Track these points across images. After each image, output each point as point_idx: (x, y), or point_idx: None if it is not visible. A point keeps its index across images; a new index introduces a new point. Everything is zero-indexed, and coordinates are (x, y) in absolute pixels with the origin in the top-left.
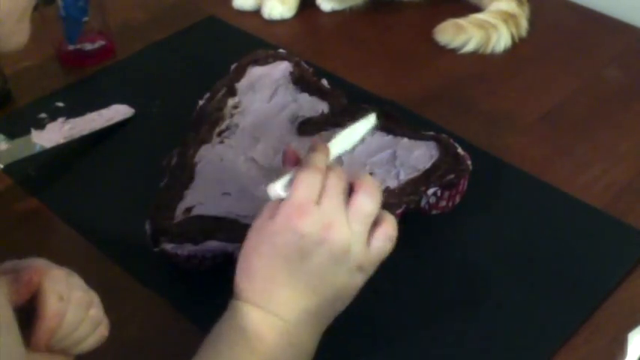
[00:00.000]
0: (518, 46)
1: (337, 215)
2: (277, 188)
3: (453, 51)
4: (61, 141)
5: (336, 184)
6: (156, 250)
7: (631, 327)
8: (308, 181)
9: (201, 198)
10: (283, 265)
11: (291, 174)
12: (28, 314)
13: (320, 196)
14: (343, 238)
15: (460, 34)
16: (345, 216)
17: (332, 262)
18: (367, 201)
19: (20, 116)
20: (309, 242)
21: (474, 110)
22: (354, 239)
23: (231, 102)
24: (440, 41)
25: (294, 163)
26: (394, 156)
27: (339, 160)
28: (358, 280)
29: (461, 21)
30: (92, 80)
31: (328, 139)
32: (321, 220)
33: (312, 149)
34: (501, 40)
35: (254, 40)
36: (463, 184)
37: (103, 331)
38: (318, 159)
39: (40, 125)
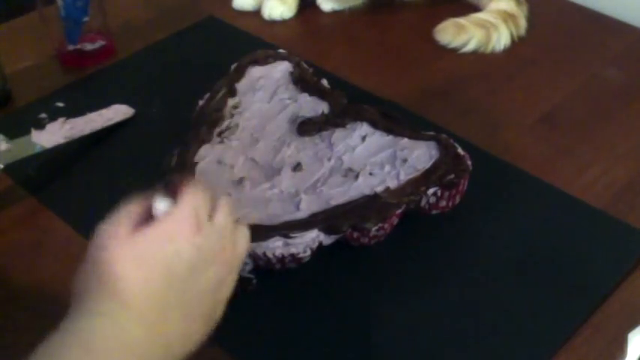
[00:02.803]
0: (517, 45)
1: (228, 235)
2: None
3: (453, 51)
4: (61, 141)
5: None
6: None
7: (631, 327)
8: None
9: None
10: (178, 281)
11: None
12: None
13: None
14: (231, 259)
15: (461, 34)
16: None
17: (220, 282)
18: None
19: (20, 116)
20: (207, 255)
21: (474, 110)
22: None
23: (231, 102)
24: (440, 41)
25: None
26: (394, 156)
27: (340, 161)
28: (217, 317)
29: (461, 20)
30: (92, 80)
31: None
32: (218, 237)
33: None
34: (501, 39)
35: (254, 40)
36: (463, 184)
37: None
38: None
39: (40, 125)
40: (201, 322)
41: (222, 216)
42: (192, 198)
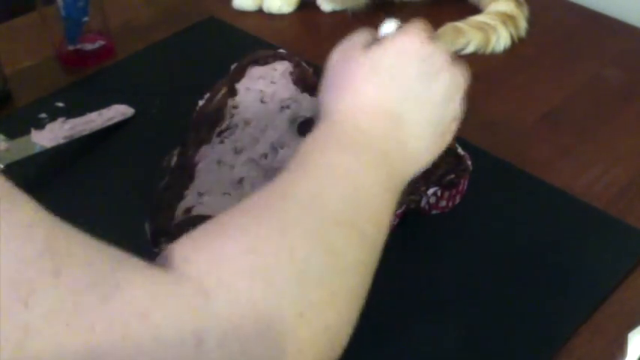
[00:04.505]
0: (517, 46)
1: (451, 56)
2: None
3: (453, 52)
4: (61, 141)
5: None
6: (156, 250)
7: (631, 327)
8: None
9: (201, 198)
10: (411, 87)
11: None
12: None
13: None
14: (462, 74)
15: (459, 38)
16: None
17: (450, 94)
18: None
19: (20, 116)
20: (436, 64)
21: (474, 110)
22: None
23: (231, 102)
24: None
25: None
26: None
27: None
28: (449, 135)
29: (460, 24)
30: (92, 80)
31: None
32: (443, 53)
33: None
34: (501, 40)
35: (254, 40)
36: (463, 184)
37: None
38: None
39: (40, 125)
40: (433, 133)
41: (445, 43)
42: (418, 22)
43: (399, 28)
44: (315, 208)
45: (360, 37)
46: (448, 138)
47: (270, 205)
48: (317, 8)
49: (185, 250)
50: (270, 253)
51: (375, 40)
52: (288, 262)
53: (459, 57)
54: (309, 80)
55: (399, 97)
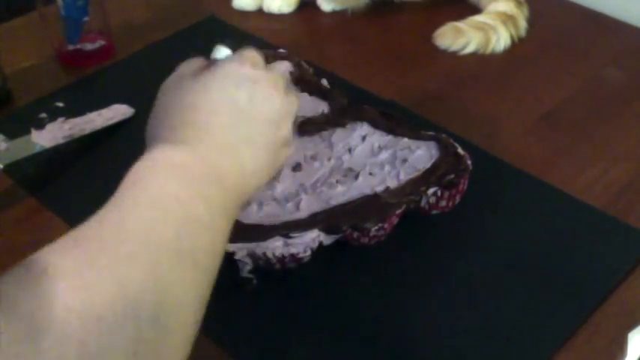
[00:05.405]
0: (517, 46)
1: (281, 82)
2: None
3: (453, 52)
4: (61, 141)
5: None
6: None
7: (631, 327)
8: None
9: None
10: (241, 110)
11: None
12: None
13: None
14: (293, 102)
15: (459, 38)
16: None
17: (280, 119)
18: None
19: (20, 116)
20: (266, 89)
21: (474, 110)
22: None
23: None
24: (440, 45)
25: None
26: (394, 156)
27: (340, 161)
28: (283, 157)
29: (460, 24)
30: (92, 80)
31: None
32: (272, 78)
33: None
34: (501, 40)
35: (254, 40)
36: (463, 184)
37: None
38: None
39: (40, 125)
40: (267, 152)
41: (278, 69)
42: (250, 50)
43: (231, 55)
44: (149, 242)
45: (189, 65)
46: (281, 160)
47: (103, 239)
48: (317, 8)
49: (17, 288)
50: (102, 290)
51: (206, 66)
52: (121, 300)
53: (291, 85)
54: (309, 80)
55: (230, 120)
